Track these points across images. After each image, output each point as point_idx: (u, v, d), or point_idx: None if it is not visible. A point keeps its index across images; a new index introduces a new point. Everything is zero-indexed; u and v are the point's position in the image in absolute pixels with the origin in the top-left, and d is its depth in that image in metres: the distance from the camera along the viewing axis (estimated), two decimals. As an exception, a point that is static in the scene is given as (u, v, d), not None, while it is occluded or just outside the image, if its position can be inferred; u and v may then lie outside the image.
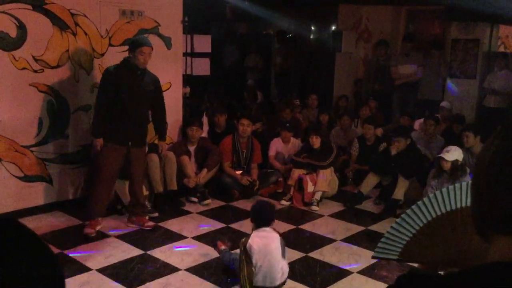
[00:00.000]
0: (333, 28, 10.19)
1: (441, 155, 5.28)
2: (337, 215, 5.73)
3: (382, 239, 1.28)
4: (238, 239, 4.88)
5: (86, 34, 5.31)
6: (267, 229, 3.88)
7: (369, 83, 9.44)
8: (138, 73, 4.72)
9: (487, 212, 0.86)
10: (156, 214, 5.39)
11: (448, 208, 1.23)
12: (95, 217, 4.84)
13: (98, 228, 4.84)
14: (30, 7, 4.88)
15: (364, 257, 4.51)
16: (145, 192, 5.50)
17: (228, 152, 6.33)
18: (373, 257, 1.31)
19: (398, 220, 1.26)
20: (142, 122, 4.92)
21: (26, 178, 5.13)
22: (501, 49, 9.12)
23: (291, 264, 4.37)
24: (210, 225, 5.26)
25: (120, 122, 4.73)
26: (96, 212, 4.85)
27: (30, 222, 4.85)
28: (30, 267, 0.81)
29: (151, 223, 5.07)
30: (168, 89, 6.14)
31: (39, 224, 5.01)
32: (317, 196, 5.97)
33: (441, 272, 1.22)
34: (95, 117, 4.82)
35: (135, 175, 5.01)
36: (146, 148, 5.18)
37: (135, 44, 4.70)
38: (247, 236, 3.91)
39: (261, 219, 3.91)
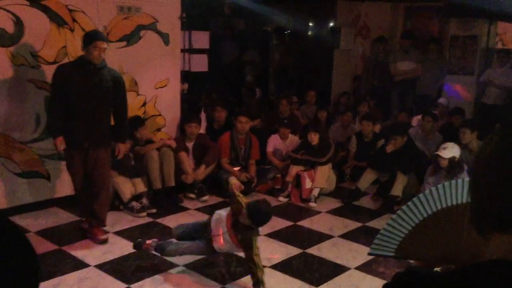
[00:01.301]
0: (332, 24, 10.16)
1: (437, 152, 5.29)
2: (335, 212, 5.74)
3: (378, 236, 1.28)
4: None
5: (83, 30, 5.29)
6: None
7: (367, 80, 9.43)
8: (91, 68, 4.33)
9: (486, 209, 0.86)
10: (154, 211, 5.39)
11: (444, 205, 1.23)
12: (95, 226, 4.66)
13: (104, 234, 4.66)
14: (27, 2, 4.86)
15: (362, 254, 4.51)
16: (143, 189, 5.50)
17: (226, 149, 6.32)
18: (369, 254, 1.31)
19: (394, 216, 1.27)
20: (99, 122, 4.46)
21: (24, 174, 5.12)
22: (499, 46, 9.12)
23: (289, 260, 4.38)
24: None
25: (72, 122, 4.38)
26: (85, 214, 4.70)
27: (27, 219, 4.86)
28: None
29: (103, 237, 4.61)
30: (166, 85, 6.14)
31: (36, 221, 5.02)
32: (315, 192, 5.98)
33: (438, 269, 1.22)
34: (49, 117, 4.53)
35: (98, 181, 4.56)
36: (109, 150, 4.68)
37: (90, 38, 4.32)
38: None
39: (259, 220, 3.85)
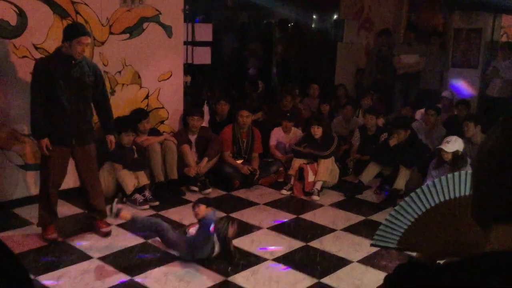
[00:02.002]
0: (335, 17, 10.13)
1: (441, 146, 5.28)
2: (337, 205, 5.74)
3: (381, 227, 1.27)
4: (239, 228, 4.90)
5: (86, 22, 5.29)
6: None
7: (371, 73, 9.41)
8: (73, 63, 4.20)
9: (487, 200, 0.86)
10: (157, 203, 5.40)
11: (447, 197, 1.23)
12: (48, 224, 4.48)
13: (55, 233, 4.48)
14: (30, -5, 4.86)
15: (364, 247, 4.52)
16: (146, 181, 5.51)
17: (229, 142, 6.33)
18: (371, 245, 1.31)
19: (396, 207, 1.26)
20: (83, 117, 4.35)
21: (27, 167, 5.14)
22: (504, 39, 9.08)
23: (292, 253, 4.39)
24: (211, 214, 5.27)
25: (58, 119, 4.24)
26: (47, 220, 4.47)
27: (31, 211, 4.87)
28: None
29: (107, 230, 4.63)
30: (169, 78, 6.14)
31: (40, 213, 5.03)
32: (318, 185, 5.98)
33: (440, 262, 1.22)
34: (33, 116, 4.24)
35: (87, 177, 4.52)
36: (95, 145, 4.59)
37: (74, 32, 4.15)
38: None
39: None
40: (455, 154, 5.20)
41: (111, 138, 4.66)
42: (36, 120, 4.22)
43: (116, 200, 4.61)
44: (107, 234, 4.61)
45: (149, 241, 4.53)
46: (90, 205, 4.67)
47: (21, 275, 0.90)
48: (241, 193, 5.98)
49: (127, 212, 4.45)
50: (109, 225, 4.72)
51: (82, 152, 4.43)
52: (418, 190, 1.26)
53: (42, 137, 4.22)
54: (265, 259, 4.26)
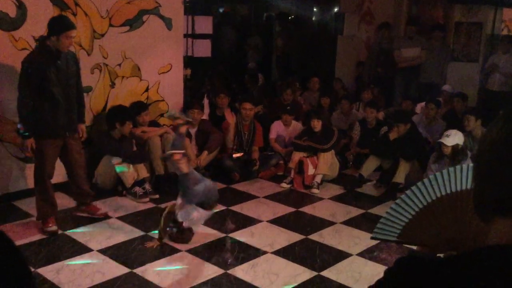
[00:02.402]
0: (336, 10, 10.09)
1: (441, 140, 5.28)
2: (337, 198, 5.75)
3: (381, 220, 1.27)
4: (238, 221, 4.91)
5: (86, 14, 5.27)
6: None
7: (371, 66, 9.39)
8: (61, 56, 4.24)
9: (488, 194, 0.86)
10: (157, 196, 5.40)
11: (448, 191, 1.23)
12: (48, 217, 4.49)
13: (55, 225, 4.50)
14: (29, -14, 4.84)
15: (364, 240, 4.53)
16: (146, 174, 5.51)
17: (232, 128, 6.37)
18: (372, 238, 1.31)
19: (397, 201, 1.26)
20: (73, 106, 4.45)
21: (27, 159, 5.13)
22: (505, 33, 9.05)
23: (291, 246, 4.40)
24: (211, 207, 5.27)
25: (51, 111, 4.27)
26: (48, 212, 4.50)
27: (31, 204, 4.87)
28: None
29: (103, 211, 4.84)
30: (169, 71, 6.12)
31: (40, 205, 5.03)
32: (318, 179, 5.98)
33: (441, 255, 1.22)
34: (20, 115, 4.23)
35: (77, 164, 4.62)
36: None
37: (61, 26, 4.14)
38: None
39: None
40: (455, 147, 5.20)
41: (82, 127, 4.67)
42: (25, 119, 4.23)
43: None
44: (105, 215, 4.81)
45: (149, 233, 4.54)
46: (81, 191, 4.78)
47: (21, 266, 0.90)
48: (241, 186, 5.99)
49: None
50: (100, 209, 4.89)
51: (73, 140, 4.53)
52: (419, 184, 1.26)
53: (28, 137, 4.24)
54: (264, 252, 4.27)
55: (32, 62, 4.18)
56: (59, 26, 4.16)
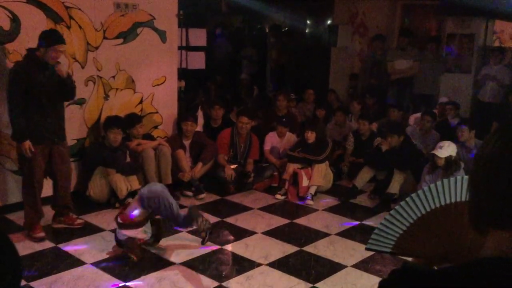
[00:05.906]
0: (329, 22, 10.17)
1: (434, 151, 5.30)
2: (331, 209, 5.74)
3: (376, 231, 1.27)
4: (233, 233, 4.90)
5: (80, 27, 5.28)
6: None
7: (365, 78, 9.43)
8: (49, 67, 4.36)
9: (483, 206, 0.86)
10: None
11: (443, 202, 1.23)
12: (35, 223, 4.57)
13: (43, 232, 4.58)
14: (24, -1, 4.85)
15: (359, 251, 4.52)
16: (138, 186, 5.48)
17: (226, 145, 6.31)
18: (366, 249, 1.31)
19: (391, 212, 1.26)
20: (61, 115, 4.59)
21: (20, 172, 5.10)
22: (497, 44, 9.13)
23: (286, 258, 4.39)
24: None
25: (40, 120, 4.38)
26: (34, 219, 4.57)
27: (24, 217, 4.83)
28: None
29: (80, 221, 4.90)
30: (163, 83, 6.13)
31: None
32: (312, 190, 5.98)
33: (435, 267, 1.22)
34: (15, 119, 4.32)
35: (63, 173, 4.68)
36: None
37: (50, 40, 4.28)
38: None
39: None
40: (448, 159, 5.22)
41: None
42: (17, 123, 4.32)
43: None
44: (82, 225, 4.86)
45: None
46: (62, 202, 4.77)
47: (9, 251, 0.92)
48: (235, 198, 5.97)
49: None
50: (78, 219, 4.93)
51: (60, 149, 4.59)
52: (413, 195, 1.26)
53: (25, 139, 4.33)
54: (259, 264, 4.26)
55: (19, 70, 4.31)
56: (49, 39, 4.30)
